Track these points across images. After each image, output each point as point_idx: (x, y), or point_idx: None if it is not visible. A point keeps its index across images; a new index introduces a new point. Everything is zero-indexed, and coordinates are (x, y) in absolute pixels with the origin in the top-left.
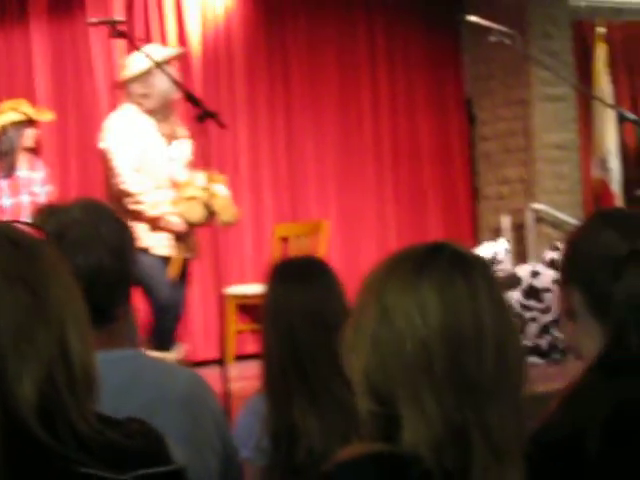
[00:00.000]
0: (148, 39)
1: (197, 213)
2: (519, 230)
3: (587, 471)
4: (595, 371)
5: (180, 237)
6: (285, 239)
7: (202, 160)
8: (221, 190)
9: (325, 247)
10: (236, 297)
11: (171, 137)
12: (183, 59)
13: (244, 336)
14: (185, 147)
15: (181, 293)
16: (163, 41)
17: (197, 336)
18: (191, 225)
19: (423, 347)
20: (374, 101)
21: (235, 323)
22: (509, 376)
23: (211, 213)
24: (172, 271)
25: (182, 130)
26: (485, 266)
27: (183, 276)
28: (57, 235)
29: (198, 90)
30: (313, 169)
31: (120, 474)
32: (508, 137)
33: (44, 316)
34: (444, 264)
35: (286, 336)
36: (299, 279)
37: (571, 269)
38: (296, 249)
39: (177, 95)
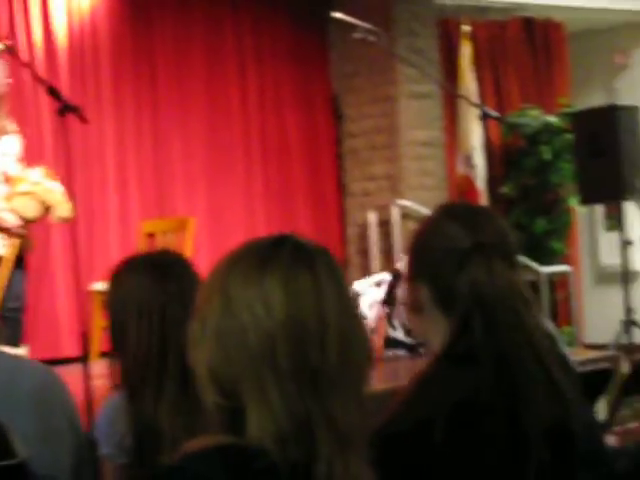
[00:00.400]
0: (13, 33)
1: (32, 208)
2: (385, 226)
3: (433, 461)
4: (441, 362)
5: (14, 233)
6: (152, 235)
7: (64, 155)
8: (55, 186)
9: (192, 244)
10: (102, 293)
11: (1, 132)
12: (49, 53)
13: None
14: (15, 142)
15: (20, 287)
16: (28, 35)
17: (62, 333)
18: (26, 221)
19: (266, 340)
20: (242, 98)
21: (101, 319)
22: (353, 367)
23: (46, 208)
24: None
25: (11, 125)
26: (329, 258)
27: (21, 269)
28: None
29: (64, 85)
30: (180, 165)
31: None
32: (374, 134)
33: None
34: (287, 256)
35: (148, 331)
36: (161, 272)
37: (417, 263)
38: (163, 245)
39: (6, 90)
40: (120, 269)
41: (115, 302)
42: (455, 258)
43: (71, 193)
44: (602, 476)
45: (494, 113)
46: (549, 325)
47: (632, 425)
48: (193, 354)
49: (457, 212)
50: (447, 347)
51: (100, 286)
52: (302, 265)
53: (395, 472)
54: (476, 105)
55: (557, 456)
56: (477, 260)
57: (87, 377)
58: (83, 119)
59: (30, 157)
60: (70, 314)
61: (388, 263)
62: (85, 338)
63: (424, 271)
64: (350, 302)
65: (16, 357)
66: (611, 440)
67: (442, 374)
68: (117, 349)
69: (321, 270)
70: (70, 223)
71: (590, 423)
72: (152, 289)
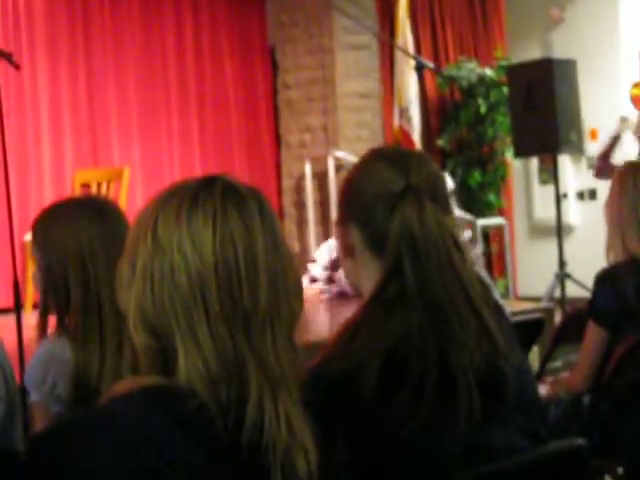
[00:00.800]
0: None
1: None
2: (321, 178)
3: (365, 405)
4: (372, 306)
5: None
6: (86, 185)
7: None
8: None
9: (126, 193)
10: None
11: None
12: None
13: None
14: None
15: None
16: None
17: None
18: None
19: (196, 280)
20: (178, 46)
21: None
22: (284, 310)
23: None
24: None
25: None
26: (260, 199)
27: None
28: None
29: None
30: (115, 114)
31: None
32: (310, 85)
33: None
34: (217, 196)
35: (82, 276)
36: (92, 217)
37: (348, 206)
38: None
39: None
40: (49, 216)
41: (49, 250)
42: (387, 201)
43: (2, 142)
44: (535, 421)
45: (430, 64)
46: (483, 274)
47: (563, 375)
48: (123, 295)
49: (389, 155)
50: (378, 290)
51: None
52: (232, 205)
53: (328, 414)
54: (412, 56)
55: (488, 399)
56: (408, 202)
57: (20, 328)
58: (15, 65)
59: None
60: (3, 265)
61: (323, 215)
62: (17, 289)
63: (355, 214)
64: (281, 244)
65: None
66: (542, 390)
67: (373, 318)
68: (51, 297)
69: (252, 210)
70: (3, 174)
71: (522, 369)
72: (87, 235)
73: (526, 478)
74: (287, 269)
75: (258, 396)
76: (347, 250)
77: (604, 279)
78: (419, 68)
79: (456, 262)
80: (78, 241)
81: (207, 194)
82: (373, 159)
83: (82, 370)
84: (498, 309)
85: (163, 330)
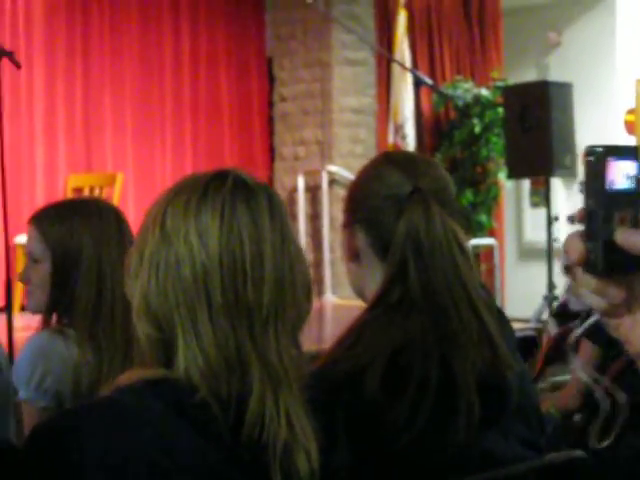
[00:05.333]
0: None
1: None
2: (313, 191)
3: (368, 407)
4: (376, 308)
5: None
6: (79, 190)
7: None
8: None
9: (119, 199)
10: (25, 246)
11: None
12: None
13: None
14: None
15: None
16: None
17: None
18: None
19: (200, 272)
20: (175, 54)
21: None
22: (289, 307)
23: None
24: None
25: None
26: (270, 194)
27: None
28: None
29: None
30: (110, 119)
31: None
32: (306, 99)
33: None
34: (227, 190)
35: (92, 274)
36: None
37: (355, 209)
38: None
39: None
40: (55, 213)
41: (56, 247)
42: (394, 204)
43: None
44: (535, 431)
45: (428, 80)
46: None
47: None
48: (129, 284)
49: (398, 159)
50: (383, 293)
51: (24, 239)
52: (241, 199)
53: (330, 414)
54: (409, 70)
55: (489, 405)
56: (415, 205)
57: (10, 328)
58: (16, 64)
59: None
60: None
61: (315, 228)
62: (10, 289)
63: (362, 217)
64: (291, 239)
65: None
66: None
67: (377, 320)
68: (55, 294)
69: (261, 205)
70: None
71: (524, 376)
72: (96, 234)
73: None
74: (295, 266)
75: (259, 394)
76: (352, 254)
77: None
78: (417, 84)
79: (461, 266)
80: (89, 239)
81: (217, 187)
82: (382, 163)
83: (85, 368)
84: (501, 316)
85: (166, 321)
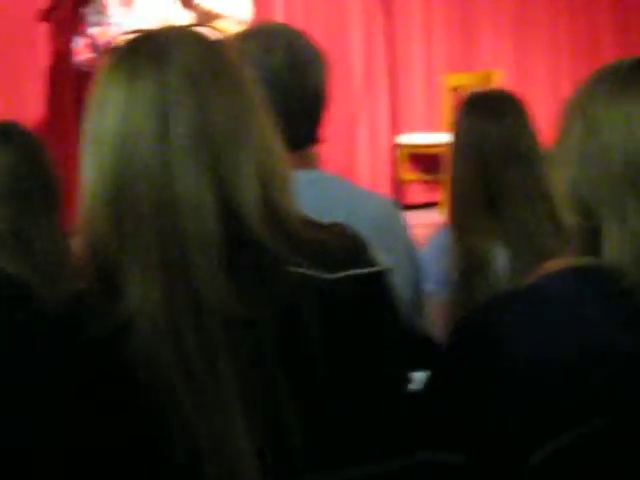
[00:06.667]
0: None
1: None
2: None
3: None
4: None
5: None
6: (456, 89)
7: None
8: None
9: None
10: (407, 146)
11: None
12: None
13: (413, 186)
14: None
15: None
16: None
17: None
18: None
19: (629, 160)
20: None
21: (406, 172)
22: None
23: None
24: None
25: None
26: None
27: None
28: None
29: None
30: (487, 18)
31: (330, 274)
32: None
33: (253, 111)
34: None
35: (477, 169)
36: (493, 112)
37: None
38: None
39: None
40: (461, 107)
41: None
42: None
43: None
44: None
45: None
46: None
47: None
48: (553, 175)
49: None
50: None
51: (406, 139)
52: None
53: None
54: None
55: None
56: None
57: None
58: None
59: None
60: (375, 167)
61: None
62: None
63: None
64: None
65: (359, 187)
66: None
67: None
68: (452, 186)
69: None
70: None
71: None
72: (488, 128)
73: None
74: None
75: None
76: None
77: None
78: None
79: None
80: (482, 135)
81: (639, 75)
82: None
83: (460, 256)
84: None
85: (593, 210)
